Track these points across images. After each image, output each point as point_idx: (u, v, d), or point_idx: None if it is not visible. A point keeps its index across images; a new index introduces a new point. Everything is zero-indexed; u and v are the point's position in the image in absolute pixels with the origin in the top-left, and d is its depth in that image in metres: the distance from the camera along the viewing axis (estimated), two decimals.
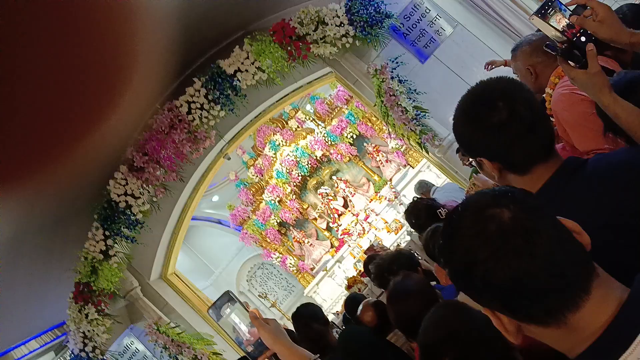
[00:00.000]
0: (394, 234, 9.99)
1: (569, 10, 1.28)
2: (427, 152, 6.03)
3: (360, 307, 2.81)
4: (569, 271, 0.81)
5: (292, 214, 10.77)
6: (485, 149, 1.22)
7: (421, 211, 3.16)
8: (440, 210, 3.09)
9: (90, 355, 6.20)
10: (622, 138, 1.36)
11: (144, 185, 6.12)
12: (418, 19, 6.14)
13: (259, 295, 11.45)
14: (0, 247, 5.53)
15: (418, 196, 5.69)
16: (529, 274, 0.80)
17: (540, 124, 1.20)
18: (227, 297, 1.43)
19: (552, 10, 1.28)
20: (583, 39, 1.26)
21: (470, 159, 1.46)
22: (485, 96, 1.22)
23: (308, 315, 2.94)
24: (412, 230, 5.54)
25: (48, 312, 6.89)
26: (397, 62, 5.79)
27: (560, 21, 1.28)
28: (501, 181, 1.26)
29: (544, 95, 2.00)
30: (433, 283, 2.61)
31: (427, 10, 6.13)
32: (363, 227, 10.44)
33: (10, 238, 5.55)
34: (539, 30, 1.39)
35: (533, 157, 1.20)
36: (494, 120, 1.18)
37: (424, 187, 6.00)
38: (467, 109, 1.25)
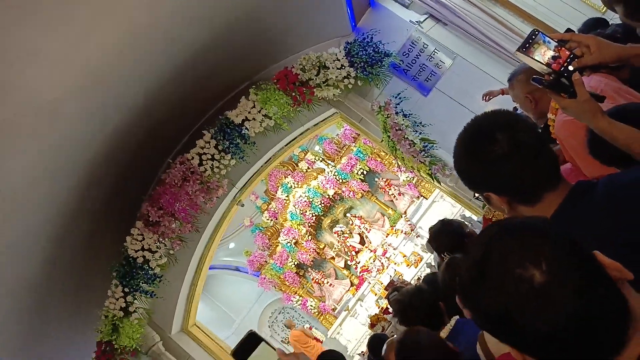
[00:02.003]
0: (413, 267, 9.85)
1: (554, 41, 1.30)
2: (439, 182, 6.03)
3: (385, 346, 2.76)
4: (610, 324, 0.77)
5: (309, 255, 10.71)
6: (491, 183, 1.21)
7: (445, 237, 3.09)
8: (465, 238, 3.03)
9: None
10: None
11: (160, 239, 6.17)
12: (417, 55, 6.28)
13: (282, 341, 11.24)
14: (26, 312, 5.57)
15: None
16: (565, 329, 0.75)
17: (544, 149, 1.20)
18: (251, 337, 1.41)
19: (535, 44, 1.31)
20: (571, 68, 1.28)
21: (476, 196, 1.42)
22: (484, 130, 1.22)
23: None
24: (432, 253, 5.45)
25: None
26: (400, 98, 5.89)
27: (545, 54, 1.30)
28: (511, 213, 1.24)
29: (546, 121, 2.01)
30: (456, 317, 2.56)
31: (425, 46, 6.27)
32: (382, 263, 10.32)
33: (35, 302, 5.60)
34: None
35: (541, 184, 1.18)
36: (496, 152, 1.17)
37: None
38: (467, 145, 1.25)
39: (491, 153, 1.18)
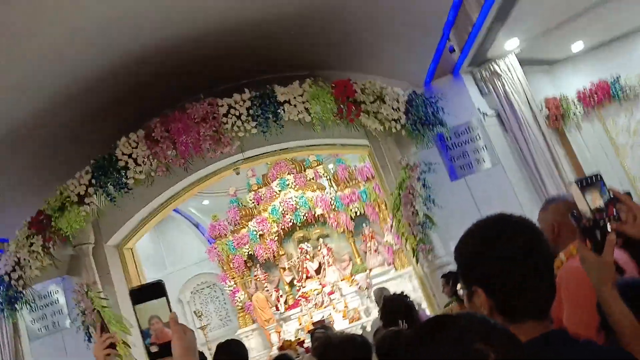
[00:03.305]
0: (348, 321, 9.72)
1: (609, 194, 1.29)
2: (417, 261, 5.98)
3: None
4: None
5: (266, 254, 10.61)
6: (489, 281, 1.16)
7: (401, 307, 3.03)
8: (416, 314, 2.99)
9: (12, 282, 5.98)
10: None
11: (150, 157, 6.12)
12: (466, 141, 6.28)
13: (194, 312, 11.05)
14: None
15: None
16: None
17: (550, 276, 1.18)
18: (158, 286, 1.32)
19: (593, 187, 1.30)
20: (609, 227, 1.27)
21: (459, 287, 1.36)
22: (510, 226, 1.19)
23: (236, 352, 2.84)
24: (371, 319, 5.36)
25: None
26: (429, 168, 5.88)
27: (595, 200, 1.29)
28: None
29: (555, 259, 1.98)
30: None
31: (478, 137, 6.28)
32: (323, 300, 10.19)
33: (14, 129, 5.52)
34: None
35: (532, 308, 1.15)
36: (512, 252, 1.14)
37: (377, 296, 5.86)
38: (487, 231, 1.21)
39: (506, 251, 1.15)
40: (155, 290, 1.32)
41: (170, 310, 1.29)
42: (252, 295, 10.70)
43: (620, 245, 1.85)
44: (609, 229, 1.27)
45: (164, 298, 1.31)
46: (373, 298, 5.70)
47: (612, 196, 1.30)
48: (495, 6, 4.97)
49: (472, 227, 1.27)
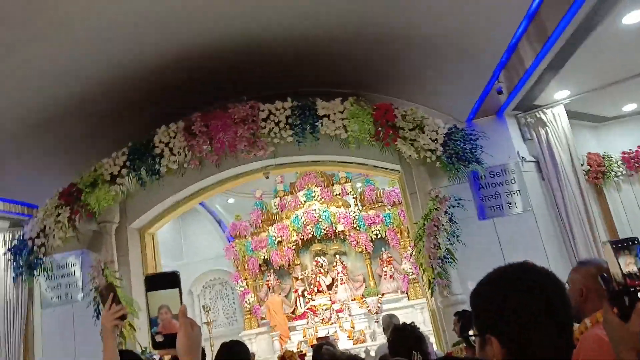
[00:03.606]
0: (352, 342, 9.60)
1: None
2: (432, 294, 5.88)
3: None
4: None
5: (281, 261, 10.62)
6: (504, 331, 1.10)
7: (410, 338, 2.97)
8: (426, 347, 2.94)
9: (35, 248, 6.16)
10: None
11: (186, 149, 6.24)
12: (500, 182, 6.18)
13: (203, 306, 11.13)
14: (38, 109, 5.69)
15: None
16: None
17: (568, 335, 1.13)
18: (173, 276, 1.31)
19: (627, 250, 1.24)
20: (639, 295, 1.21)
21: (471, 333, 1.29)
22: (533, 277, 1.15)
23: (238, 353, 2.84)
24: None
25: (32, 189, 6.95)
26: (459, 203, 5.79)
27: (629, 265, 1.24)
28: None
29: (577, 325, 1.91)
30: None
31: (513, 181, 6.17)
32: (330, 317, 10.11)
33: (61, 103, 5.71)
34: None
35: None
36: (531, 306, 1.10)
37: (385, 323, 5.76)
38: (508, 280, 1.15)
39: (531, 304, 1.11)
40: (170, 280, 1.32)
41: (182, 303, 1.29)
42: (263, 299, 10.72)
43: None
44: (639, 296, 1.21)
45: (177, 290, 1.31)
46: (381, 323, 5.61)
47: None
48: (550, 54, 4.89)
49: (493, 273, 1.22)
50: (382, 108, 5.95)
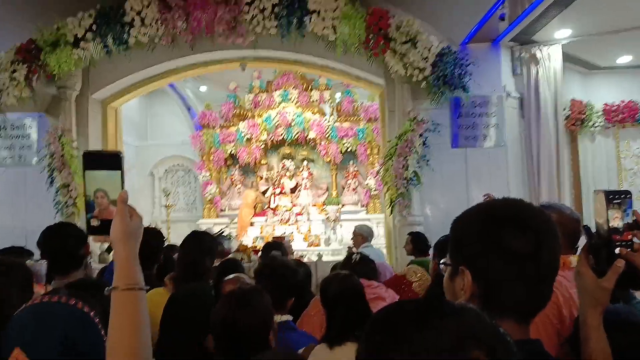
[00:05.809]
0: (307, 244, 9.89)
1: (631, 219, 1.14)
2: (391, 212, 5.95)
3: (231, 276, 2.61)
4: None
5: (248, 158, 10.51)
6: (482, 266, 1.00)
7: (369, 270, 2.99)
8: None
9: None
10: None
11: (159, 22, 5.75)
12: (480, 114, 6.06)
13: (163, 189, 11.09)
14: None
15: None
16: None
17: (550, 282, 1.04)
18: (115, 157, 1.17)
19: (617, 204, 1.14)
20: (618, 250, 1.13)
21: (442, 260, 1.16)
22: (526, 216, 1.03)
23: (208, 246, 2.77)
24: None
25: None
26: (435, 128, 5.69)
27: (615, 219, 1.14)
28: (465, 301, 1.05)
29: None
30: None
31: (493, 114, 6.06)
32: (289, 218, 10.29)
33: None
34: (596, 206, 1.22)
35: (519, 309, 1.02)
36: (518, 246, 0.98)
37: (365, 232, 5.86)
38: (500, 213, 1.04)
39: (519, 244, 0.99)
40: (112, 161, 1.17)
41: (122, 188, 1.15)
42: (225, 192, 10.74)
43: None
44: (617, 252, 1.13)
45: (119, 173, 1.16)
46: (358, 230, 5.67)
47: (633, 221, 1.15)
48: None
49: (484, 204, 1.09)
50: (377, 14, 5.55)
